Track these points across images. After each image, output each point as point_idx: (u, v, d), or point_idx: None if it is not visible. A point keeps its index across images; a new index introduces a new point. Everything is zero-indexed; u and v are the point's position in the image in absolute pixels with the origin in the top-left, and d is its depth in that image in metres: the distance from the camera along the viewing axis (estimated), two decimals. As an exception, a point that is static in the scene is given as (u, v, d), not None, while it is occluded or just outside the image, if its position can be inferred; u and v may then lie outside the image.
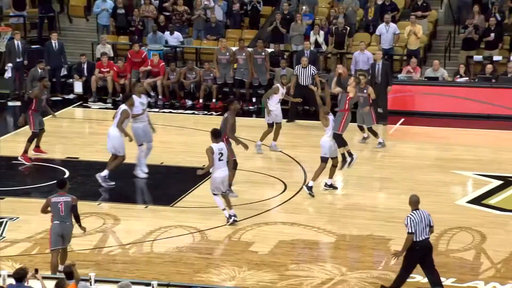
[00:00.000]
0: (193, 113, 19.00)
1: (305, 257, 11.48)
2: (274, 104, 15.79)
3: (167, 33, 20.94)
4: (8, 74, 19.43)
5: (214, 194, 12.45)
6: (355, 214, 13.13)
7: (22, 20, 22.55)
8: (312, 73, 17.97)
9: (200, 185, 14.27)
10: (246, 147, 13.59)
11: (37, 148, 15.43)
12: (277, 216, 12.96)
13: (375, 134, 16.42)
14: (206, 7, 21.73)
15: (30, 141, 15.14)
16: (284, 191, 14.05)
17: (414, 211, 9.92)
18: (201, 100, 19.43)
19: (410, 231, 9.81)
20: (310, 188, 13.70)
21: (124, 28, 21.74)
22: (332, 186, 14.01)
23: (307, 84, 17.81)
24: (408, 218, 9.86)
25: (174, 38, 20.85)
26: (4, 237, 11.90)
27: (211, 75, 19.58)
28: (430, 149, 16.74)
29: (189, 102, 19.62)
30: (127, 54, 20.06)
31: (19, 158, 14.99)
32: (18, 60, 19.47)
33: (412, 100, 19.11)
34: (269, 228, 12.48)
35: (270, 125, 15.85)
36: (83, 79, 19.99)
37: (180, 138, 16.60)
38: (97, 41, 21.40)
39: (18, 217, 12.58)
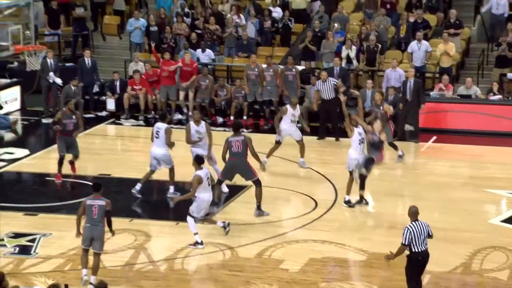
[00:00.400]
0: (224, 130, 19.06)
1: (336, 275, 11.41)
2: (285, 124, 15.79)
3: (198, 50, 21.07)
4: (57, 81, 19.65)
5: (190, 216, 12.28)
6: (386, 232, 13.03)
7: (56, 38, 22.89)
8: (333, 84, 17.93)
9: (230, 202, 14.29)
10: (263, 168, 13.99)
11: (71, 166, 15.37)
12: (307, 234, 12.91)
13: (395, 147, 16.38)
14: (238, 24, 21.85)
15: (59, 164, 15.05)
16: (314, 208, 14.01)
17: (413, 222, 10.03)
18: (232, 117, 19.47)
19: (404, 242, 9.97)
20: (347, 202, 13.85)
21: (156, 46, 21.93)
22: (350, 203, 14.00)
23: (330, 98, 17.83)
24: (407, 229, 9.97)
25: (206, 55, 20.97)
26: (37, 253, 12.01)
27: (242, 92, 19.64)
28: (463, 167, 16.58)
29: (220, 119, 19.68)
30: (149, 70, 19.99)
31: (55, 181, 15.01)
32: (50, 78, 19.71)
33: (444, 118, 18.97)
34: (299, 245, 12.44)
35: (277, 142, 15.90)
36: (116, 97, 20.18)
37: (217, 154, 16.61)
38: (130, 58, 21.62)
39: (51, 233, 12.70)
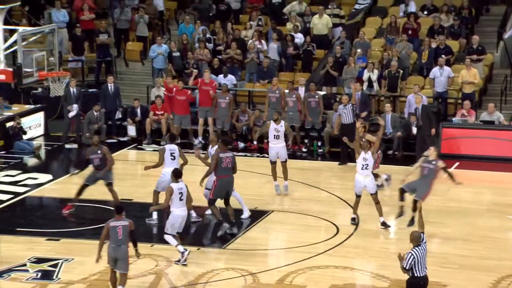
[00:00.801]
0: (245, 155, 19.08)
1: (358, 302, 11.32)
2: (270, 141, 15.80)
3: (220, 76, 21.18)
4: (72, 114, 19.84)
5: (166, 234, 12.44)
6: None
7: (80, 64, 23.15)
8: (354, 109, 17.96)
9: (252, 227, 14.27)
10: None
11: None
12: (329, 260, 12.84)
13: (376, 176, 16.11)
14: (259, 50, 21.95)
15: (79, 192, 14.77)
16: (336, 234, 13.94)
17: (416, 248, 10.08)
18: (255, 142, 19.47)
19: (406, 267, 10.04)
20: (383, 224, 14.10)
21: (179, 71, 22.10)
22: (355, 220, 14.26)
23: (349, 122, 17.80)
24: (410, 254, 10.05)
25: (228, 80, 21.06)
26: (59, 278, 12.04)
27: (261, 121, 19.58)
28: (486, 194, 16.43)
29: (241, 144, 19.70)
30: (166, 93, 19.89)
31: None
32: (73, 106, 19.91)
33: (467, 144, 18.86)
34: (321, 271, 12.36)
35: (272, 163, 15.83)
36: (137, 122, 20.29)
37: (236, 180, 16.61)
38: (152, 84, 21.78)
39: (73, 259, 12.74)
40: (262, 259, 12.72)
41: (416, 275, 10.02)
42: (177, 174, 12.52)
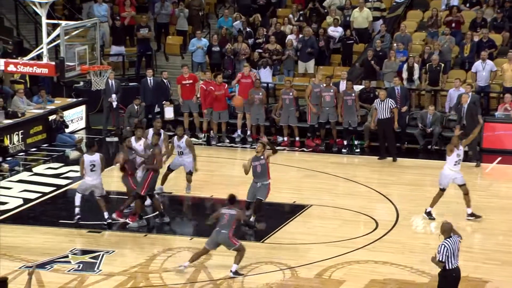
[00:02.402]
0: (284, 149, 19.05)
1: (397, 298, 11.26)
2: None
3: (261, 69, 21.11)
4: (114, 103, 20.04)
5: (78, 193, 13.79)
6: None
7: (121, 58, 23.35)
8: (390, 106, 17.79)
9: (291, 221, 14.27)
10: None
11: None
12: (368, 255, 12.78)
13: None
14: (297, 48, 21.80)
15: (140, 203, 14.06)
16: (375, 229, 13.87)
17: (448, 239, 9.98)
18: (297, 138, 19.34)
19: (441, 259, 9.93)
20: (428, 214, 14.18)
21: (218, 65, 22.14)
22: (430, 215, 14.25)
23: (384, 117, 17.77)
24: (443, 246, 9.95)
25: (266, 71, 20.97)
26: (100, 270, 12.19)
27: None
28: (529, 189, 16.19)
29: (280, 138, 19.64)
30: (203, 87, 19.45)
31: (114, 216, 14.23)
32: (109, 99, 20.08)
33: (509, 139, 18.58)
34: (360, 266, 12.32)
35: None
36: (173, 105, 20.19)
37: (271, 174, 16.61)
38: (192, 78, 21.82)
39: (113, 251, 12.88)
40: (301, 253, 12.71)
41: (448, 267, 9.94)
42: (91, 146, 14.12)
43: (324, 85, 19.04)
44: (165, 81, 20.28)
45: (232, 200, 12.13)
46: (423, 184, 16.44)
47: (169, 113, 20.06)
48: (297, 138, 19.28)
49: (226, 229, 11.86)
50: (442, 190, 14.26)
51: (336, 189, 15.93)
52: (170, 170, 15.55)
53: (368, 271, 12.15)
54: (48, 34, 15.32)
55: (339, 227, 13.99)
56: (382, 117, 17.82)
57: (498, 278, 11.20)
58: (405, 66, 20.29)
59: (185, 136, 15.58)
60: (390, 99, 17.97)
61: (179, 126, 15.95)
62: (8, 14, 24.49)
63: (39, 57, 15.94)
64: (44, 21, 15.24)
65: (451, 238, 10.00)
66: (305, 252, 12.69)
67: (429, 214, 14.30)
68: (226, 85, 19.68)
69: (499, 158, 18.09)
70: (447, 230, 10.07)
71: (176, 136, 15.41)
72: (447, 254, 9.90)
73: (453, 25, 21.60)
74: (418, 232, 14.13)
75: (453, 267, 9.95)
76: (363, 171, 17.38)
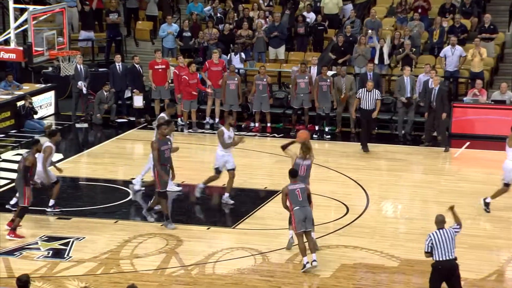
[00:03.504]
0: (255, 135, 19.05)
1: (367, 282, 11.34)
2: (222, 150, 14.18)
3: (232, 54, 21.05)
4: (83, 90, 19.83)
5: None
6: (419, 238, 12.90)
7: (90, 44, 23.13)
8: (376, 97, 17.56)
9: (262, 207, 14.29)
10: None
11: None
12: (339, 240, 12.85)
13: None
14: (266, 29, 21.77)
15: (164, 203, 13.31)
16: (346, 214, 13.95)
17: (437, 230, 9.93)
18: (269, 124, 19.32)
19: (426, 249, 9.91)
20: (486, 204, 13.88)
21: (189, 50, 22.03)
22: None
23: (369, 108, 17.48)
24: (428, 236, 9.92)
25: (237, 58, 20.91)
26: (70, 256, 12.11)
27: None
28: (497, 174, 16.35)
29: (255, 124, 19.60)
30: (176, 71, 19.27)
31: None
32: (79, 83, 19.87)
33: (478, 124, 18.77)
34: (331, 251, 12.39)
35: (217, 171, 14.29)
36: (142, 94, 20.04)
37: (243, 160, 16.62)
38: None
39: (84, 237, 12.80)
40: (272, 238, 12.74)
41: (436, 258, 9.85)
42: None
43: (297, 71, 19.04)
44: (136, 66, 20.10)
45: (294, 174, 11.73)
46: (393, 170, 16.56)
47: (138, 101, 19.91)
48: (269, 124, 19.28)
49: (307, 204, 11.58)
50: (507, 186, 13.73)
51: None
52: (219, 172, 14.26)
53: (338, 255, 12.22)
54: (16, 19, 15.14)
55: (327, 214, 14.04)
56: (367, 108, 17.41)
57: (466, 262, 11.31)
58: (377, 52, 20.35)
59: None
60: (377, 90, 17.57)
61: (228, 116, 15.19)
62: (-26, -1, 24.12)
63: (6, 42, 15.76)
64: (12, 5, 15.06)
65: (442, 230, 9.89)
66: (276, 238, 12.72)
67: (486, 204, 13.89)
68: (198, 74, 19.54)
69: (468, 143, 18.27)
70: (438, 222, 9.99)
71: (226, 126, 14.19)
72: (430, 245, 9.83)
73: (419, 10, 21.71)
74: (388, 217, 14.24)
75: (441, 259, 9.80)
76: (334, 157, 17.45)
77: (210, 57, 20.20)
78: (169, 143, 13.41)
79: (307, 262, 11.48)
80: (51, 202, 13.85)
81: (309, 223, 11.55)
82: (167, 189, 13.36)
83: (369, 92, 17.47)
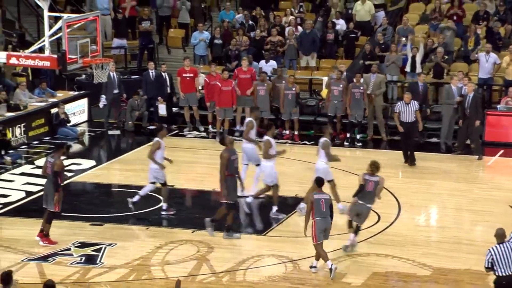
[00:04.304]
0: (286, 143, 19.03)
1: (399, 291, 11.27)
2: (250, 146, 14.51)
3: (262, 61, 21.08)
4: (101, 104, 20.03)
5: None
6: (452, 247, 12.81)
7: (123, 51, 23.34)
8: (415, 108, 16.87)
9: (292, 214, 14.26)
10: None
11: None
12: (370, 248, 12.78)
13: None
14: (298, 36, 21.77)
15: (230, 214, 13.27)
16: (377, 222, 13.87)
17: (498, 245, 9.66)
18: (296, 132, 19.28)
19: (486, 265, 9.64)
20: None
21: (220, 58, 22.11)
22: None
23: (409, 121, 16.83)
24: (488, 251, 9.65)
25: (269, 66, 20.92)
26: (102, 262, 12.20)
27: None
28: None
29: (286, 132, 19.56)
30: (207, 80, 19.25)
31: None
32: (114, 91, 20.08)
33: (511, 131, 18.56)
34: (362, 259, 12.32)
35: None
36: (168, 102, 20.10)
37: (276, 167, 16.62)
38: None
39: (116, 243, 12.89)
40: (303, 246, 12.71)
41: (498, 274, 9.58)
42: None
43: (335, 77, 18.94)
44: (163, 74, 20.18)
45: (320, 183, 11.92)
46: (425, 177, 16.44)
47: (162, 109, 20.02)
48: (296, 132, 19.16)
49: (328, 215, 11.65)
50: None
51: (338, 182, 15.89)
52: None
53: (370, 264, 12.15)
54: (50, 27, 15.32)
55: (341, 220, 13.98)
56: (406, 121, 16.86)
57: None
58: (409, 59, 20.23)
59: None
60: (414, 101, 17.00)
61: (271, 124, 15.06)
62: (10, 7, 24.48)
63: (41, 49, 15.96)
64: (46, 13, 15.24)
65: (503, 244, 9.64)
66: (307, 245, 12.67)
67: None
68: (233, 81, 19.30)
69: (501, 151, 18.07)
70: (499, 236, 9.75)
71: (268, 134, 14.25)
72: (491, 260, 9.60)
73: (455, 18, 21.55)
74: (420, 225, 14.12)
75: (503, 274, 9.52)
76: (365, 164, 17.29)
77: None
78: (236, 152, 13.30)
79: (332, 265, 11.57)
80: (164, 205, 13.98)
81: (327, 234, 11.72)
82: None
83: (408, 105, 16.95)
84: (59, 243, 12.84)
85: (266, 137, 14.22)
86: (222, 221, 13.09)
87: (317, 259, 11.82)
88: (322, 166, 13.99)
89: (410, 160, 17.01)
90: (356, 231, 12.51)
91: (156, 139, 14.14)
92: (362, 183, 12.31)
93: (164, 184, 14.16)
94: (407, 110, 16.94)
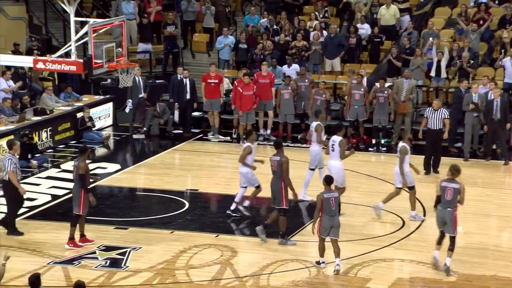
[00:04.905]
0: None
1: (424, 296, 11.19)
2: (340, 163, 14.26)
3: (284, 66, 21.07)
4: (127, 109, 20.15)
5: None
6: (477, 253, 12.70)
7: (148, 56, 23.47)
8: (443, 116, 16.52)
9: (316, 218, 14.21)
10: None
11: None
12: (395, 253, 12.71)
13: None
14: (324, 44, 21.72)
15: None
16: (402, 227, 13.79)
17: None
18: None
19: None
20: None
21: (244, 62, 22.15)
22: None
23: (436, 128, 16.48)
24: None
25: (292, 69, 20.91)
26: (127, 266, 12.26)
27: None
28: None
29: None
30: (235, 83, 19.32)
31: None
32: (140, 96, 20.19)
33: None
34: (386, 264, 12.26)
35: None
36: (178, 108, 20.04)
37: (298, 172, 16.62)
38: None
39: (140, 247, 12.95)
40: (327, 251, 12.66)
41: None
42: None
43: (355, 82, 18.90)
44: (184, 80, 19.98)
45: (329, 181, 11.98)
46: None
47: (175, 116, 20.05)
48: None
49: (337, 214, 11.86)
50: None
51: (362, 187, 15.86)
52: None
53: (394, 269, 12.09)
54: (76, 32, 15.46)
55: (365, 225, 13.94)
56: (434, 128, 16.54)
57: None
58: (434, 64, 20.10)
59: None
60: (444, 109, 16.66)
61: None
62: (37, 12, 24.73)
63: (67, 54, 16.11)
64: (73, 18, 15.39)
65: None
66: (331, 249, 12.63)
67: None
68: (255, 86, 19.35)
69: (528, 156, 17.90)
70: None
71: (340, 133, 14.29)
72: None
73: (481, 22, 21.40)
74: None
75: None
76: (390, 169, 17.24)
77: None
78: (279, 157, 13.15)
79: (323, 262, 11.99)
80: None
81: (334, 231, 11.87)
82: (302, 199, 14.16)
83: (436, 111, 16.54)
84: (84, 246, 12.91)
85: (247, 144, 14.11)
86: (272, 226, 13.07)
87: (337, 256, 11.87)
88: (337, 166, 14.10)
89: (433, 168, 16.74)
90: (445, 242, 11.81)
91: (247, 144, 14.11)
92: (438, 193, 11.90)
93: (258, 187, 14.15)
94: (435, 117, 16.57)
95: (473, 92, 17.85)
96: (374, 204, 14.28)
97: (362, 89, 18.80)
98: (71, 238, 12.93)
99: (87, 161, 13.23)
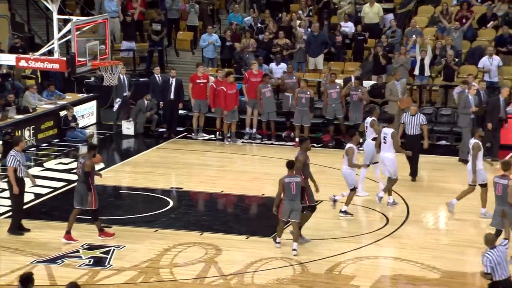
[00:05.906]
0: (294, 145, 19.00)
1: (408, 294, 11.24)
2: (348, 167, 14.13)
3: (272, 64, 21.06)
4: (115, 107, 20.08)
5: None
6: (460, 250, 12.77)
7: (131, 54, 23.39)
8: (421, 122, 15.92)
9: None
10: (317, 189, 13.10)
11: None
12: (378, 250, 12.76)
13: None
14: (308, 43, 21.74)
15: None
16: (386, 224, 13.85)
17: (491, 250, 9.63)
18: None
19: (487, 271, 9.56)
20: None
21: (229, 60, 22.12)
22: None
23: (413, 133, 15.93)
24: (485, 257, 9.57)
25: (280, 68, 20.89)
26: (111, 265, 12.22)
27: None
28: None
29: (292, 134, 19.52)
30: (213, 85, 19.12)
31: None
32: (124, 94, 20.11)
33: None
34: (370, 262, 12.31)
35: (354, 189, 14.27)
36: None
37: (280, 169, 16.65)
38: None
39: (124, 246, 12.91)
40: (311, 248, 12.70)
41: (495, 279, 9.56)
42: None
43: (327, 82, 18.93)
44: (170, 79, 19.79)
45: (290, 165, 12.30)
46: (436, 180, 16.41)
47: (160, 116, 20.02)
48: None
49: (297, 198, 12.12)
50: None
51: (346, 184, 15.88)
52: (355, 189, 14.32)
53: (378, 266, 12.13)
54: (59, 30, 15.37)
55: (349, 223, 13.97)
56: (411, 133, 15.95)
57: None
58: (418, 62, 20.18)
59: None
60: (421, 114, 16.11)
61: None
62: (20, 10, 24.58)
63: (50, 52, 16.01)
64: (55, 16, 15.30)
65: (495, 249, 9.62)
66: (315, 248, 12.68)
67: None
68: (237, 84, 19.27)
69: (511, 154, 17.99)
70: (489, 241, 9.72)
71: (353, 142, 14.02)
72: (491, 265, 9.54)
73: (464, 20, 21.51)
74: (429, 228, 14.09)
75: (501, 278, 9.51)
76: (373, 167, 17.31)
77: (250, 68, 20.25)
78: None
79: (279, 242, 12.57)
80: (344, 207, 14.07)
81: (294, 214, 12.25)
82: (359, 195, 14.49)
83: (413, 117, 15.93)
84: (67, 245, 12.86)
85: (349, 145, 13.98)
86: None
87: (295, 241, 12.26)
88: (390, 158, 14.43)
89: (412, 174, 16.31)
90: None
91: (349, 145, 13.89)
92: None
93: (353, 189, 14.11)
94: (412, 122, 15.93)
95: (470, 94, 17.42)
96: (447, 201, 14.26)
97: (338, 87, 18.86)
98: (101, 230, 13.06)
99: (71, 160, 13.19)
